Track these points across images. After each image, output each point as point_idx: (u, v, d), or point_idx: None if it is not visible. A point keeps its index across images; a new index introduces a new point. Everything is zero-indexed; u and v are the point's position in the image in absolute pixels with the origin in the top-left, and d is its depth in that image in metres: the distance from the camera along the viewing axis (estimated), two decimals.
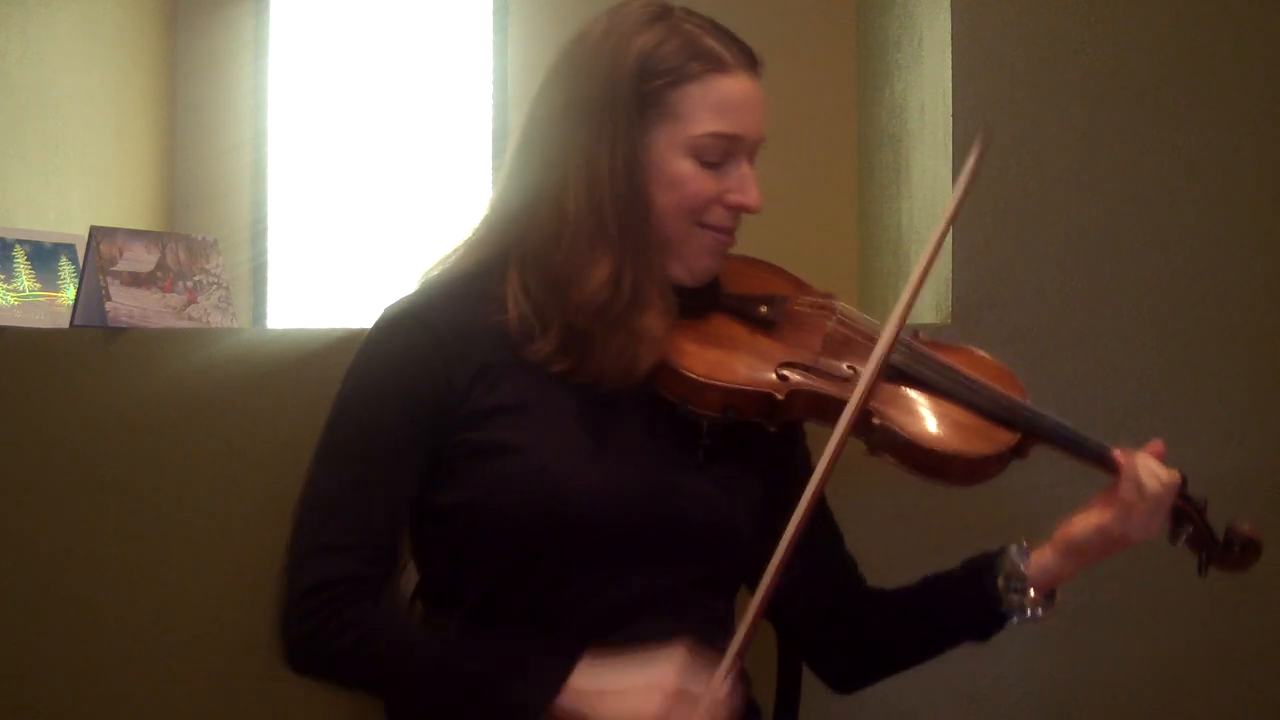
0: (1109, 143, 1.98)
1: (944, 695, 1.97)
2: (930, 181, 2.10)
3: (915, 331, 1.51)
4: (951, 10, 1.97)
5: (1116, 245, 1.98)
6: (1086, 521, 1.40)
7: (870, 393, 1.36)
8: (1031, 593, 1.41)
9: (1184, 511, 1.41)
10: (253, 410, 1.95)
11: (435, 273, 1.44)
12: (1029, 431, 1.42)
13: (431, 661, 1.30)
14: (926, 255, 1.41)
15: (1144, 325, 1.98)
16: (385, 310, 1.41)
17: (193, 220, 3.13)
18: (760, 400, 1.38)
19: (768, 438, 1.41)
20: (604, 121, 1.37)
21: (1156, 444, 1.40)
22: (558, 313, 1.37)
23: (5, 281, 2.17)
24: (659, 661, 1.27)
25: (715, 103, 1.37)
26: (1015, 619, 1.43)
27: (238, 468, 1.97)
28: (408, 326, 1.38)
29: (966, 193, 1.44)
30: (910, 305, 1.38)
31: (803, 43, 2.86)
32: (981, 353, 1.53)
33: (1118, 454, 1.39)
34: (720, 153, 1.38)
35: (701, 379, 1.37)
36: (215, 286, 2.14)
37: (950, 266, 1.96)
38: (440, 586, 1.44)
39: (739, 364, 1.40)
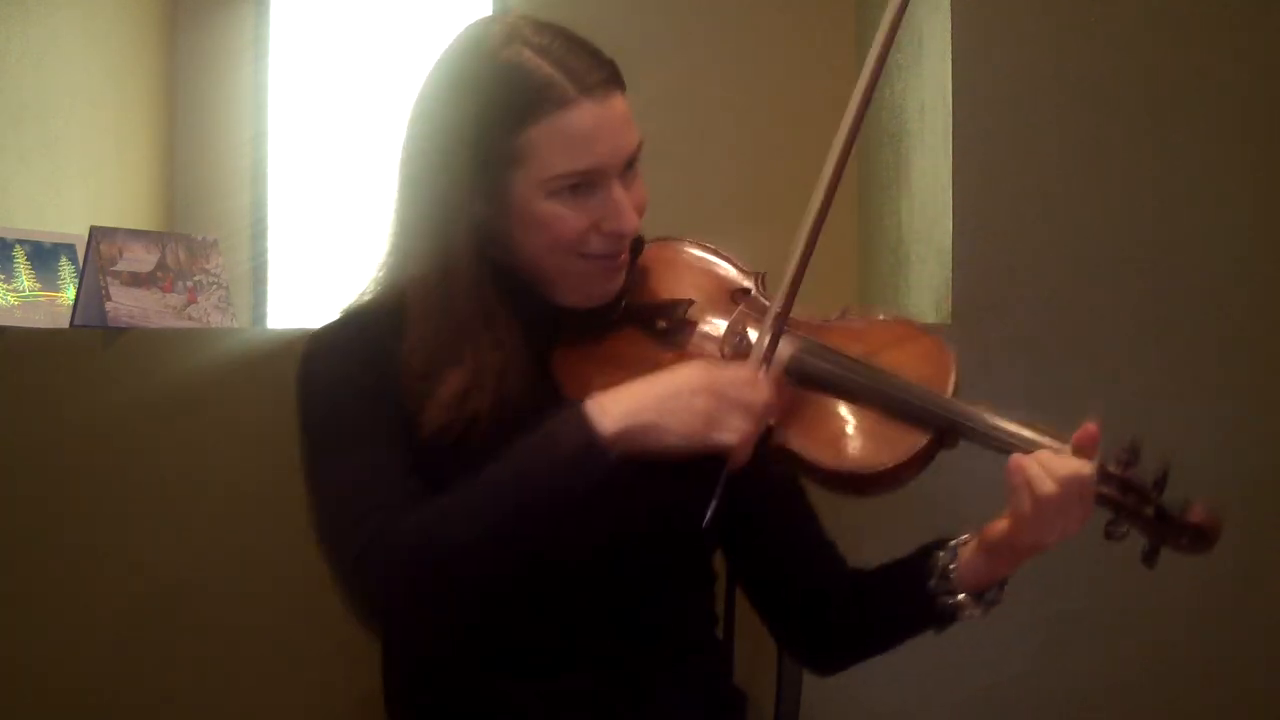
0: (1108, 143, 1.98)
1: (943, 695, 1.97)
2: (930, 181, 2.10)
3: (843, 310, 1.44)
4: (951, 10, 1.97)
5: (1116, 246, 1.98)
6: (998, 529, 1.29)
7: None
8: (961, 596, 1.34)
9: (1110, 499, 1.23)
10: (253, 410, 1.95)
11: (354, 302, 1.45)
12: (941, 429, 1.29)
13: (496, 470, 1.24)
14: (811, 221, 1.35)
15: (1143, 326, 1.98)
16: (312, 338, 1.41)
17: (193, 220, 3.13)
18: None
19: None
20: (452, 177, 1.33)
21: (1087, 427, 1.23)
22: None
23: (5, 281, 2.16)
24: (681, 369, 1.25)
25: (561, 141, 1.31)
26: (957, 618, 1.36)
27: (238, 468, 1.97)
28: (345, 334, 1.40)
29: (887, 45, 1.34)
30: (793, 292, 1.33)
31: (803, 42, 2.86)
32: (914, 326, 1.42)
33: (1013, 458, 1.24)
34: (582, 187, 1.33)
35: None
36: (215, 286, 2.13)
37: (950, 267, 1.96)
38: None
39: None
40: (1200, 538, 1.23)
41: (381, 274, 1.43)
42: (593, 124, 1.31)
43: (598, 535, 1.32)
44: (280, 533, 2.00)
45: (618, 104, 1.34)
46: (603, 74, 1.33)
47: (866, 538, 1.54)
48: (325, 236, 3.30)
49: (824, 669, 1.56)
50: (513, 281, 1.38)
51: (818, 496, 1.51)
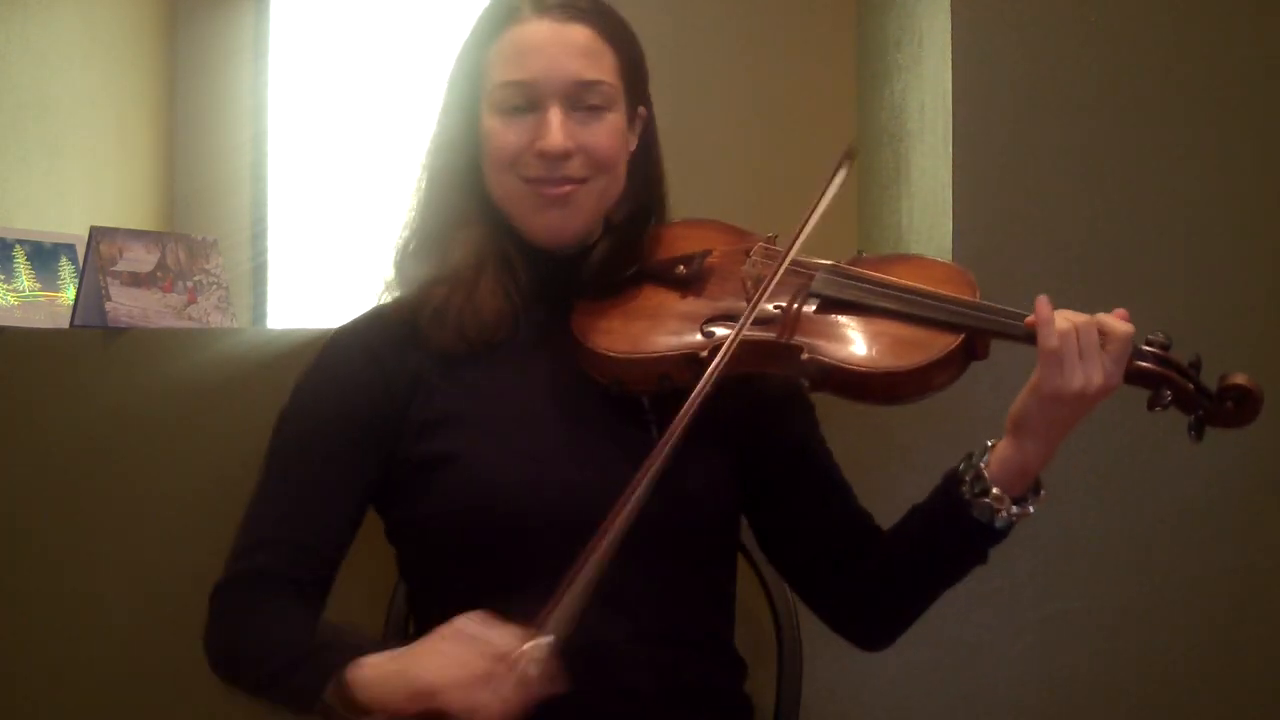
0: (1108, 143, 1.98)
1: (944, 695, 1.97)
2: (930, 181, 2.10)
3: (859, 251, 1.46)
4: (951, 10, 1.97)
5: (1116, 245, 1.98)
6: (1022, 396, 1.30)
7: (790, 329, 1.33)
8: (995, 490, 1.31)
9: (1147, 373, 1.29)
10: (253, 410, 1.94)
11: (384, 287, 1.48)
12: (971, 328, 1.33)
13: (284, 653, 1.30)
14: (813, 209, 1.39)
15: (1143, 326, 1.98)
16: (333, 333, 1.45)
17: (193, 220, 3.12)
18: (688, 362, 1.34)
19: (736, 398, 1.36)
20: (448, 119, 1.43)
21: (1120, 310, 1.31)
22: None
23: (5, 281, 2.16)
24: (457, 631, 1.21)
25: (507, 53, 1.38)
26: (996, 523, 1.32)
27: (237, 468, 1.96)
28: (347, 344, 1.43)
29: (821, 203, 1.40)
30: (813, 211, 1.37)
31: (803, 43, 2.86)
32: (929, 258, 1.47)
33: (1030, 317, 1.30)
34: (521, 100, 1.37)
35: (623, 356, 1.35)
36: (215, 286, 2.14)
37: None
38: (422, 599, 1.46)
39: (661, 332, 1.37)
40: (1244, 399, 1.28)
41: (405, 262, 1.47)
42: (534, 40, 1.37)
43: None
44: None
45: (576, 33, 1.38)
46: (568, 2, 1.39)
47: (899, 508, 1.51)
48: (325, 236, 3.30)
49: (876, 638, 1.52)
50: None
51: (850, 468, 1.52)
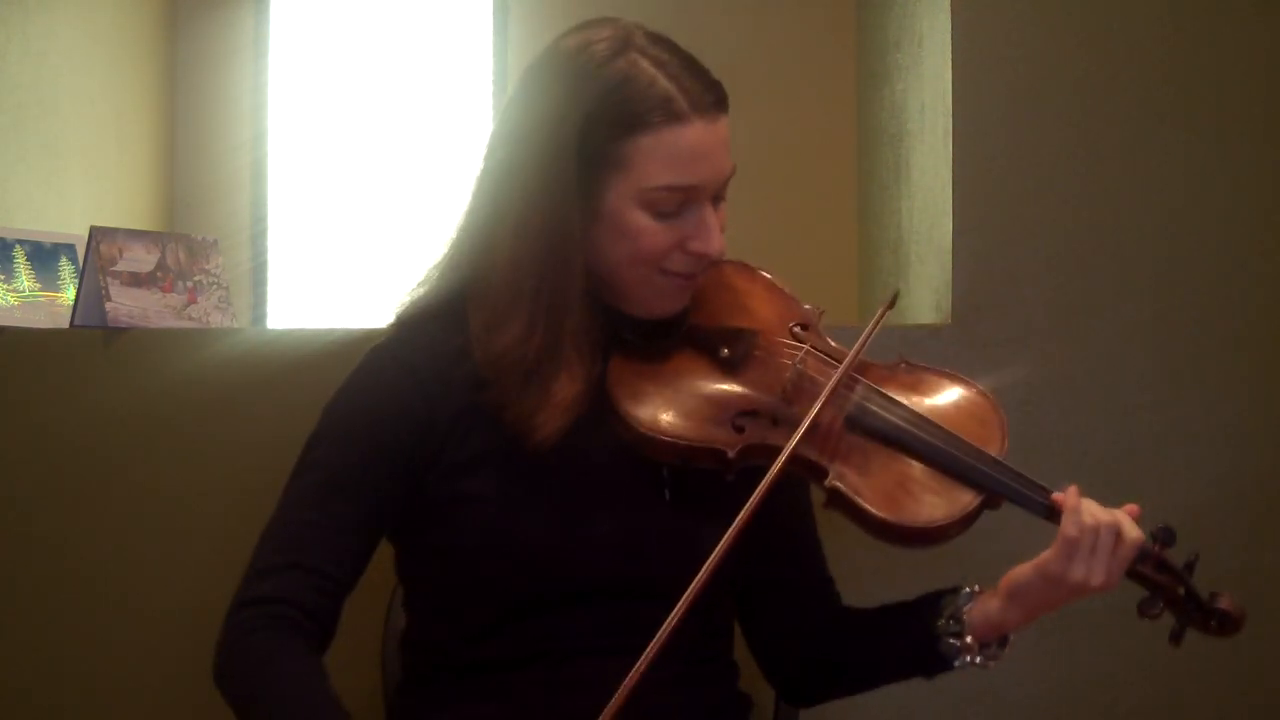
0: (1108, 143, 1.98)
1: (944, 695, 1.97)
2: (930, 181, 2.10)
3: (900, 359, 1.45)
4: (951, 10, 1.97)
5: (1116, 245, 1.98)
6: (1023, 569, 1.34)
7: (821, 446, 1.33)
8: (968, 639, 1.35)
9: (1146, 577, 1.32)
10: (253, 410, 1.95)
11: (409, 303, 1.42)
12: (994, 494, 1.34)
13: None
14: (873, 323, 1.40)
15: (1143, 326, 1.98)
16: (371, 350, 1.40)
17: (193, 220, 3.13)
18: (712, 455, 1.33)
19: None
20: (550, 171, 1.32)
21: (1132, 507, 1.33)
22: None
23: (5, 281, 2.16)
24: None
25: (668, 155, 1.31)
26: (955, 662, 1.37)
27: (237, 468, 1.97)
28: (393, 368, 1.37)
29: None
30: (857, 355, 1.36)
31: (803, 43, 2.86)
32: (969, 383, 1.43)
33: (1058, 495, 1.32)
34: (677, 203, 1.33)
35: (649, 432, 1.33)
36: (215, 286, 2.14)
37: (950, 267, 1.96)
38: (424, 633, 1.44)
39: (691, 413, 1.35)
40: (1227, 621, 1.33)
41: (444, 262, 1.42)
42: (699, 144, 1.33)
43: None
44: None
45: (723, 127, 1.36)
46: (715, 96, 1.35)
47: (865, 579, 1.56)
48: (325, 236, 3.31)
49: (797, 698, 1.56)
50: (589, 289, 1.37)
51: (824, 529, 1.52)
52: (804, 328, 1.44)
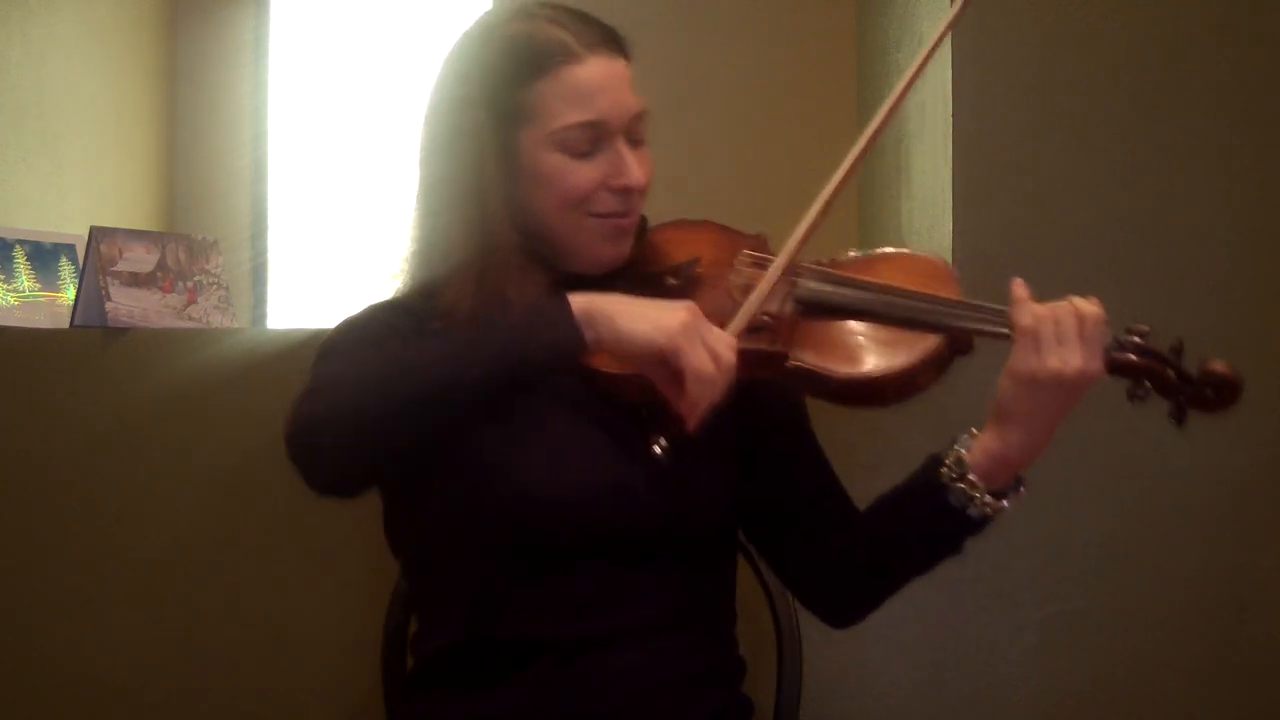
0: (1109, 142, 1.98)
1: (944, 695, 1.97)
2: (930, 181, 2.10)
3: (832, 259, 1.46)
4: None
5: (1116, 245, 1.98)
6: (1002, 380, 1.31)
7: (772, 336, 1.35)
8: (971, 476, 1.31)
9: (1128, 363, 1.30)
10: (253, 410, 1.95)
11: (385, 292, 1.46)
12: (952, 328, 1.35)
13: (449, 337, 1.30)
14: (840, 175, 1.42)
15: (1141, 322, 1.98)
16: (345, 319, 1.43)
17: (193, 220, 3.13)
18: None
19: (739, 407, 1.36)
20: (464, 138, 1.38)
21: (1091, 298, 1.32)
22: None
23: (5, 281, 2.16)
24: (671, 305, 1.27)
25: (569, 93, 1.36)
26: (970, 511, 1.32)
27: (237, 468, 1.97)
28: (384, 309, 1.42)
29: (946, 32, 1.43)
30: (809, 233, 1.38)
31: (803, 43, 2.86)
32: (913, 254, 1.49)
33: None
34: (589, 141, 1.37)
35: (610, 371, 1.34)
36: (215, 286, 2.14)
37: (950, 267, 1.96)
38: (426, 594, 1.45)
39: None
40: (1224, 385, 1.30)
41: (407, 267, 1.44)
42: (599, 77, 1.37)
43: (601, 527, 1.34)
44: (280, 532, 2.00)
45: (622, 66, 1.40)
46: (609, 36, 1.40)
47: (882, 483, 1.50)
48: (325, 236, 3.30)
49: (844, 618, 1.52)
50: (527, 248, 1.40)
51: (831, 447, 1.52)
52: (749, 243, 1.46)
